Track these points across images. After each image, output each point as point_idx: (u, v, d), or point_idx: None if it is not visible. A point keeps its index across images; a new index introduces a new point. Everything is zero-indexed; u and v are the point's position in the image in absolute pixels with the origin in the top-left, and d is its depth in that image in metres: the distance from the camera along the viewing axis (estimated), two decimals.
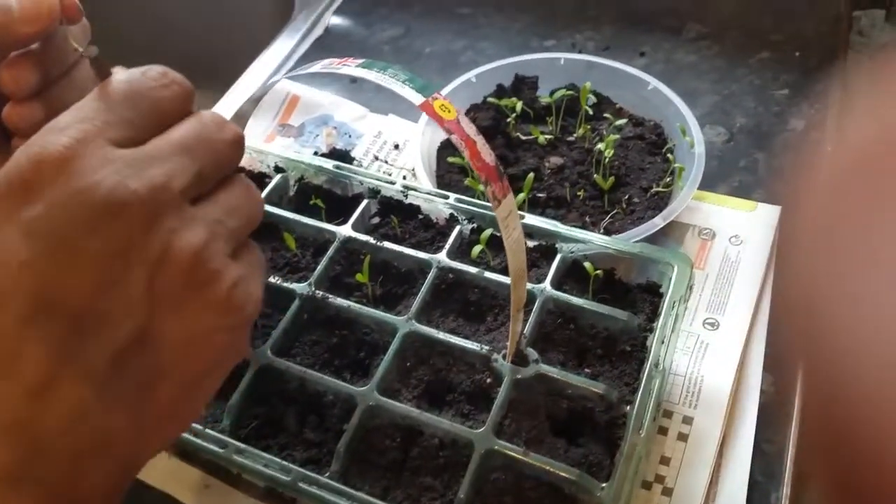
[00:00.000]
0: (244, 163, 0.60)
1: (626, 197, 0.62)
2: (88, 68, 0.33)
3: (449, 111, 0.38)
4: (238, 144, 0.33)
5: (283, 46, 0.85)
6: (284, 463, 0.42)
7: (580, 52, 0.80)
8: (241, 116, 0.41)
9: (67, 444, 0.26)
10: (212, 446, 0.44)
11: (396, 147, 0.72)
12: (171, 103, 0.31)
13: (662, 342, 0.45)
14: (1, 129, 0.36)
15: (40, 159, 0.26)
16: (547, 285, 0.49)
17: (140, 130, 0.29)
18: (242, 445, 0.43)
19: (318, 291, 0.50)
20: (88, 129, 0.27)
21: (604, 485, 0.40)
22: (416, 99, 0.37)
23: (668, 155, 0.63)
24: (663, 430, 0.50)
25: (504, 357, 0.45)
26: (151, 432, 0.29)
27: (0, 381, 0.25)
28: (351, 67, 0.38)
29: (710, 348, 0.53)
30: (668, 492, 0.47)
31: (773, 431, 0.50)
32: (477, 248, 0.51)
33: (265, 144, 0.71)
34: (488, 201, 0.38)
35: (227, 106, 0.73)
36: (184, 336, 0.28)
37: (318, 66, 0.40)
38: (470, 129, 0.38)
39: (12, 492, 0.25)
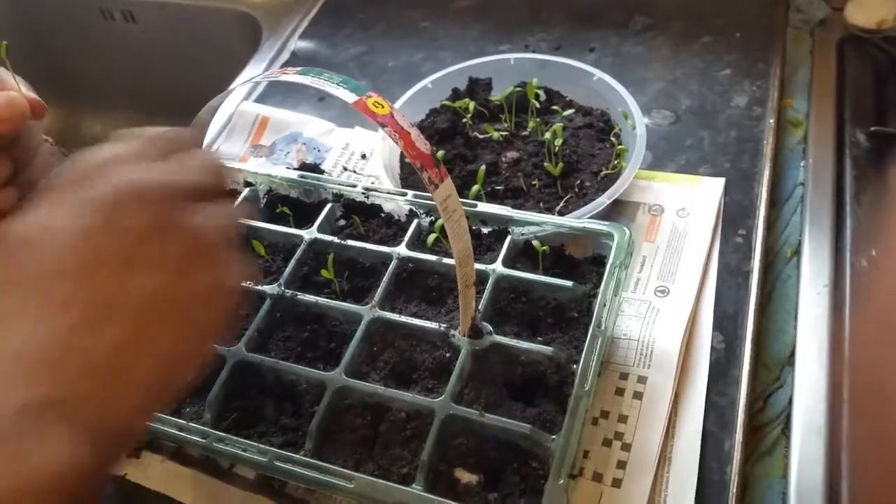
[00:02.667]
0: None
1: (578, 182, 0.65)
2: (49, 150, 0.40)
3: (382, 107, 0.42)
4: (221, 169, 0.41)
5: (252, 73, 0.89)
6: (261, 446, 0.46)
7: (534, 52, 0.84)
8: (201, 125, 0.45)
9: (102, 375, 0.31)
10: (195, 438, 0.47)
11: (363, 157, 0.76)
12: (183, 142, 0.40)
13: (604, 305, 0.49)
14: None
15: (91, 162, 0.35)
16: (499, 265, 0.52)
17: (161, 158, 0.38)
18: (223, 434, 0.47)
19: (287, 291, 0.54)
20: (119, 151, 0.37)
21: (554, 436, 0.43)
22: (350, 98, 0.41)
23: (614, 140, 0.67)
24: (620, 391, 0.53)
25: (460, 332, 0.49)
26: (167, 376, 0.35)
27: (51, 316, 0.31)
28: (290, 75, 0.42)
29: (661, 313, 0.57)
30: (626, 447, 0.50)
31: (725, 384, 0.53)
32: (432, 237, 0.55)
33: (238, 164, 0.75)
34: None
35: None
36: (196, 290, 0.35)
37: (260, 77, 0.44)
38: (403, 122, 0.42)
39: (51, 417, 0.30)
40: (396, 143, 0.41)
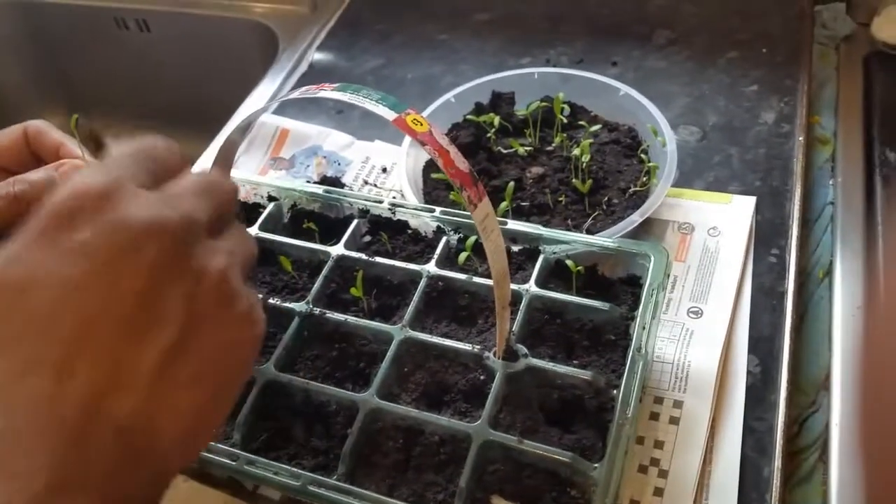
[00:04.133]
0: (240, 195, 0.64)
1: (606, 199, 0.64)
2: None
3: (421, 124, 0.41)
4: (236, 193, 0.37)
5: (269, 86, 0.89)
6: (294, 469, 0.45)
7: (554, 66, 0.83)
8: (231, 145, 0.44)
9: (117, 450, 0.28)
10: (225, 460, 0.46)
11: (384, 170, 0.75)
12: (175, 160, 0.35)
13: (644, 328, 0.47)
14: None
15: (84, 191, 0.29)
16: (532, 285, 0.51)
17: (157, 180, 0.33)
18: (253, 457, 0.46)
19: (315, 308, 0.53)
20: (121, 173, 0.31)
21: (596, 465, 0.42)
22: (390, 115, 0.40)
23: (643, 156, 0.66)
24: (655, 416, 0.52)
25: (495, 354, 0.48)
26: (186, 439, 0.31)
27: (57, 387, 0.27)
28: (327, 91, 0.41)
29: (695, 335, 0.56)
30: (663, 473, 0.49)
31: (762, 409, 0.52)
32: (463, 255, 0.54)
33: (258, 177, 0.74)
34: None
35: (219, 147, 0.77)
36: (214, 346, 0.31)
37: (297, 93, 0.43)
38: (442, 139, 0.41)
39: (64, 497, 0.26)
40: (436, 161, 0.40)
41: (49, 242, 0.28)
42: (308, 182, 0.72)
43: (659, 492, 0.48)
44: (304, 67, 0.91)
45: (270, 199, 0.62)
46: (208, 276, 0.31)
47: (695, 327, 0.56)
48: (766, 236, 0.63)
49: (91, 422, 0.27)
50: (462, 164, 0.41)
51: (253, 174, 0.75)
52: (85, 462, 0.27)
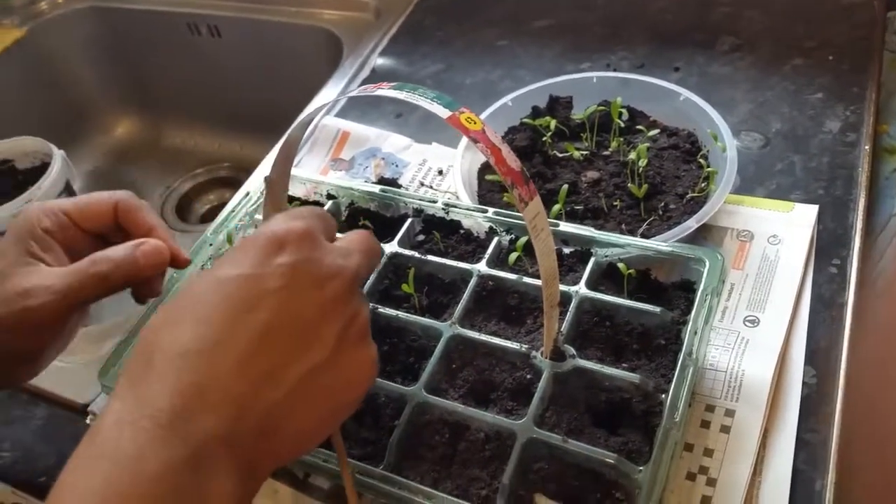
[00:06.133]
0: (301, 193, 0.66)
1: (662, 204, 0.64)
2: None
3: (475, 123, 0.41)
4: (381, 253, 0.46)
5: (333, 90, 0.91)
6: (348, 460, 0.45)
7: (615, 71, 0.83)
8: (293, 141, 0.46)
9: (260, 423, 0.34)
10: None
11: (440, 172, 0.76)
12: (334, 223, 0.44)
13: (696, 333, 0.47)
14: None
15: (291, 229, 0.38)
16: (582, 286, 0.51)
17: (328, 236, 0.41)
18: None
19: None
20: (312, 223, 0.40)
21: (641, 468, 0.42)
22: (444, 113, 0.41)
23: (702, 161, 0.65)
24: (706, 424, 0.51)
25: (542, 354, 0.48)
26: (296, 442, 0.37)
27: (237, 370, 0.34)
28: (384, 90, 0.42)
29: (750, 344, 0.55)
30: (712, 482, 0.48)
31: (817, 421, 0.51)
32: (513, 255, 0.54)
33: (320, 176, 0.76)
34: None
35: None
36: (345, 374, 0.38)
37: (356, 91, 0.44)
38: (495, 138, 0.42)
39: (224, 448, 0.33)
40: (488, 158, 0.41)
41: (263, 259, 0.37)
42: (366, 182, 0.74)
43: (706, 500, 0.47)
44: (366, 72, 0.93)
45: (329, 196, 0.64)
46: (359, 319, 0.39)
47: (750, 336, 0.55)
48: (827, 246, 0.61)
49: (250, 401, 0.34)
50: (514, 162, 0.42)
51: (314, 174, 0.78)
52: (241, 425, 0.34)
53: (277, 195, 0.50)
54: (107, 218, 0.50)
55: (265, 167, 0.81)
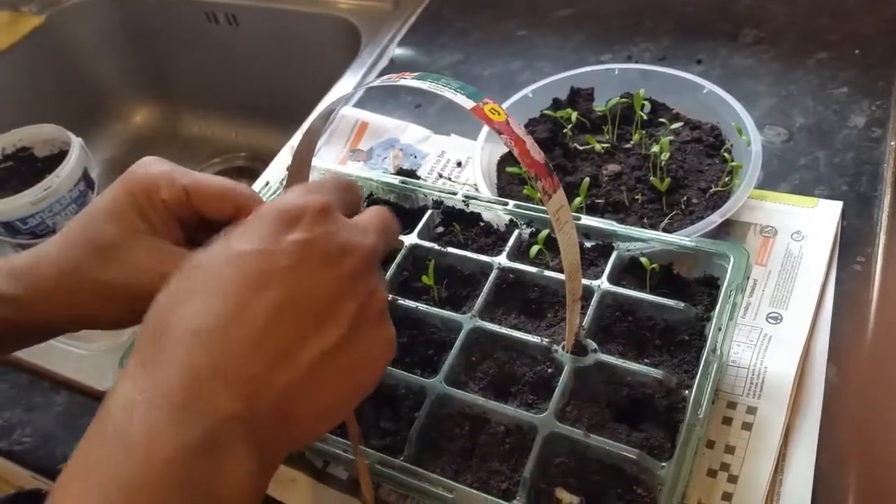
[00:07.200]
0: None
1: (685, 198, 0.63)
2: None
3: (499, 114, 0.41)
4: (399, 231, 0.44)
5: (351, 80, 0.91)
6: (362, 448, 0.45)
7: (636, 63, 0.82)
8: (314, 132, 0.45)
9: (275, 404, 0.33)
10: None
11: (459, 164, 0.76)
12: (358, 198, 0.43)
13: (720, 329, 0.46)
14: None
15: (307, 204, 0.36)
16: (604, 280, 0.51)
17: (348, 212, 0.40)
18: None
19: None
20: (331, 197, 0.38)
21: (664, 464, 0.41)
22: (468, 104, 0.40)
23: (726, 155, 0.65)
24: (727, 420, 0.50)
25: (564, 348, 0.47)
26: (311, 425, 0.36)
27: (251, 348, 0.33)
28: (408, 80, 0.42)
29: (773, 341, 0.54)
30: (733, 479, 0.48)
31: (839, 419, 0.50)
32: (535, 249, 0.54)
33: (338, 166, 0.76)
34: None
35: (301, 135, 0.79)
36: (362, 354, 0.37)
37: (379, 81, 0.44)
38: (519, 129, 0.41)
39: (242, 428, 0.32)
40: (511, 150, 0.41)
41: (276, 234, 0.35)
42: (385, 173, 0.74)
43: (727, 497, 0.47)
44: (384, 62, 0.93)
45: None
46: (376, 297, 0.37)
47: (773, 333, 0.54)
48: (851, 243, 0.60)
49: (264, 381, 0.33)
50: (538, 154, 0.41)
51: (333, 164, 0.77)
52: (258, 406, 0.33)
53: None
54: (221, 212, 0.45)
55: (283, 157, 0.81)
